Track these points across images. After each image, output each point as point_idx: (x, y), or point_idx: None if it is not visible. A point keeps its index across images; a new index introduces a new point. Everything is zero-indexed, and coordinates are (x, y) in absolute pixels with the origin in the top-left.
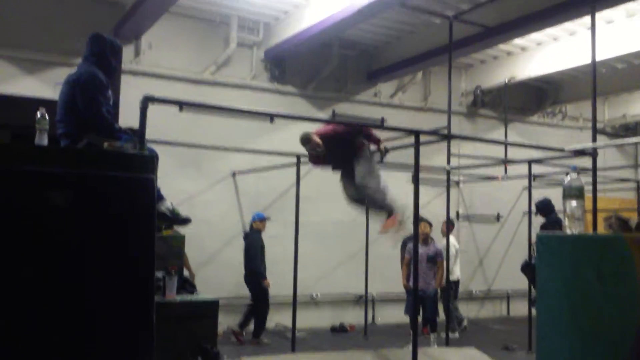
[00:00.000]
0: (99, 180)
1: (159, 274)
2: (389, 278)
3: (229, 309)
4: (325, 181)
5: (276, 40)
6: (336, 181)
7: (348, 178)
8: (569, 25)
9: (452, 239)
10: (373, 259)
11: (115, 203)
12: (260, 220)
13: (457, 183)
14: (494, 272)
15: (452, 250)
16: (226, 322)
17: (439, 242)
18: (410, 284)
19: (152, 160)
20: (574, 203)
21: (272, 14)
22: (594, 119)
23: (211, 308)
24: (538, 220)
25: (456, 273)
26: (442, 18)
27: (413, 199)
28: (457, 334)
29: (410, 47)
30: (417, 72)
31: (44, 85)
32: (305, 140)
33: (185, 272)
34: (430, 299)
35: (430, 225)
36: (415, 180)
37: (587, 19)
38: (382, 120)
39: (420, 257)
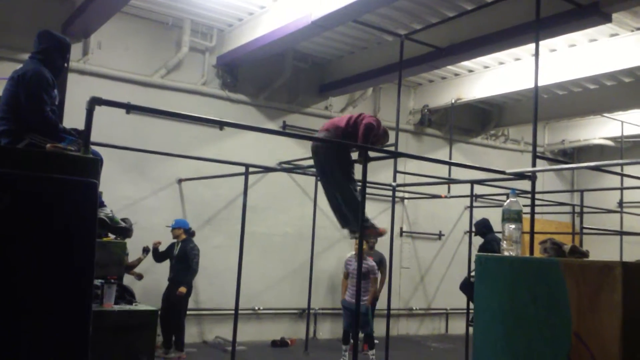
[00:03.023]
0: (39, 182)
1: (97, 282)
2: (332, 292)
3: None
4: (273, 192)
5: (229, 47)
6: (284, 192)
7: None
8: (514, 51)
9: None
10: (317, 272)
11: (56, 206)
12: None
13: (402, 200)
14: (434, 289)
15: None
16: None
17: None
18: (347, 298)
19: (95, 164)
20: (512, 226)
21: (226, 20)
22: (534, 143)
23: (150, 318)
24: (478, 239)
25: None
26: (394, 36)
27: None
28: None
29: (362, 63)
30: (368, 88)
31: None
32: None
33: (127, 280)
34: (362, 315)
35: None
36: (362, 196)
37: (531, 46)
38: None
39: (354, 272)
